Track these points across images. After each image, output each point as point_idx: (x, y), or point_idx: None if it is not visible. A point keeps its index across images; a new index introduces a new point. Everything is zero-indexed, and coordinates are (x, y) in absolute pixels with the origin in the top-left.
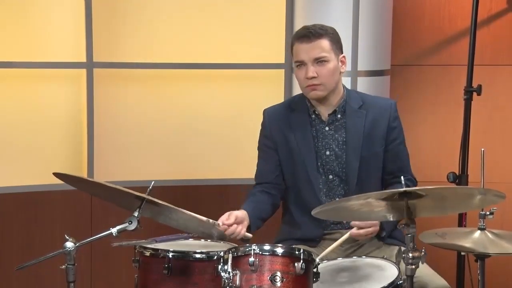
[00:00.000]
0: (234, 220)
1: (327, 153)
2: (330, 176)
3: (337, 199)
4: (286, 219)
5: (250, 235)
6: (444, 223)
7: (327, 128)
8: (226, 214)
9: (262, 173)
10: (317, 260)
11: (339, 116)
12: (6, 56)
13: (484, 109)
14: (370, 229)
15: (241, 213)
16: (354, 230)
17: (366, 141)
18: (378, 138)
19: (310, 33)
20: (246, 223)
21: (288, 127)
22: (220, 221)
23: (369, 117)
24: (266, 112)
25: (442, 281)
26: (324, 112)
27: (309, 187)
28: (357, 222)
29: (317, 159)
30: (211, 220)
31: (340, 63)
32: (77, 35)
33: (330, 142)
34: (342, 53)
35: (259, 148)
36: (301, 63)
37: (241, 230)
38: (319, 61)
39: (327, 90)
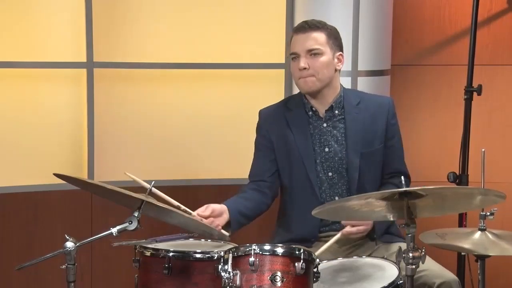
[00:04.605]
0: (211, 212)
1: (326, 149)
2: (330, 174)
3: (336, 197)
4: (280, 220)
5: (227, 233)
6: (444, 223)
7: (324, 125)
8: (204, 206)
9: (257, 171)
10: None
11: (336, 112)
12: (6, 56)
13: (484, 109)
14: (361, 228)
15: (220, 207)
16: (345, 229)
17: (365, 137)
18: (377, 134)
19: (307, 25)
20: (225, 216)
21: (285, 126)
22: (195, 213)
23: (368, 114)
24: (262, 113)
25: (450, 275)
26: (321, 108)
27: (307, 186)
28: (348, 221)
29: (316, 157)
30: (188, 210)
31: (336, 60)
32: (77, 35)
33: (328, 138)
34: (340, 51)
35: (255, 147)
36: (295, 55)
37: (218, 225)
38: (312, 53)
39: (319, 82)
